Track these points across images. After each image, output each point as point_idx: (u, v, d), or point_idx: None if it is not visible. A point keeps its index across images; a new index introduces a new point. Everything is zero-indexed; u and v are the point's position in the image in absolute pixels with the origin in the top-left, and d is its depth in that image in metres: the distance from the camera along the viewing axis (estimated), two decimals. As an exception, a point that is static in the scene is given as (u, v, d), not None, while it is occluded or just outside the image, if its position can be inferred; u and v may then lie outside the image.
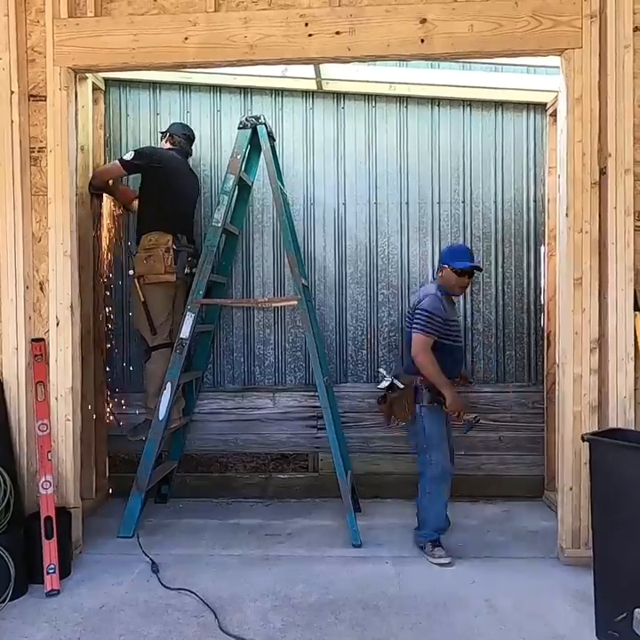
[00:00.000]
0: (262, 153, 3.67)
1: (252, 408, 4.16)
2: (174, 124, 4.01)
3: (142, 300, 3.67)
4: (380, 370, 3.46)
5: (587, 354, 3.00)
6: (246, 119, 3.60)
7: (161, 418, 3.48)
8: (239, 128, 3.60)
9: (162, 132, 3.98)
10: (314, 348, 3.49)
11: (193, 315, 3.49)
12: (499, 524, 3.61)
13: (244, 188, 3.97)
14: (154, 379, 3.69)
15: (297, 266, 3.57)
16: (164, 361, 3.63)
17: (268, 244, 4.19)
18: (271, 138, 3.71)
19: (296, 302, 3.58)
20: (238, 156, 3.58)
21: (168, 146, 3.91)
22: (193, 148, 4.04)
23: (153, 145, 4.04)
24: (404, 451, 4.08)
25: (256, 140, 3.62)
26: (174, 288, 3.77)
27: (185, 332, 3.49)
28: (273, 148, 3.74)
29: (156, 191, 3.73)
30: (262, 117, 3.60)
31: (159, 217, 3.70)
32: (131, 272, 3.87)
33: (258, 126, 3.58)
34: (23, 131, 3.10)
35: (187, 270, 3.71)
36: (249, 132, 3.58)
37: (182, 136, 3.93)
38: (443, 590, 2.80)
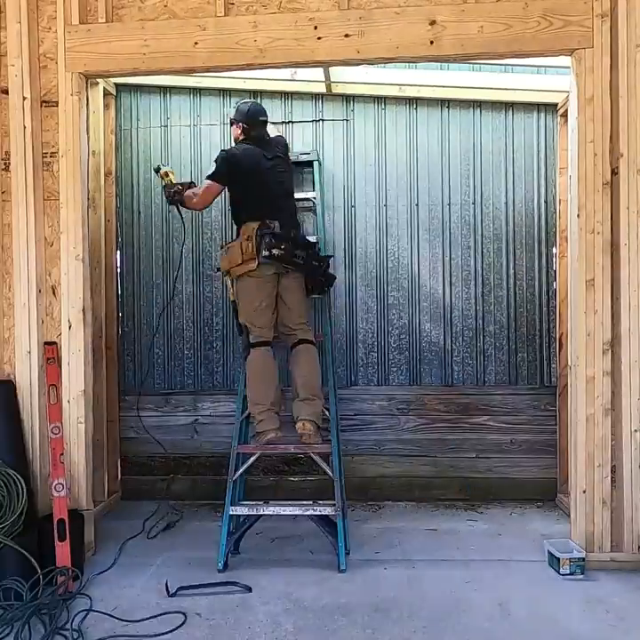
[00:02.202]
0: None
1: (263, 411, 4.15)
2: (239, 106, 3.66)
3: (232, 298, 3.50)
4: None
5: (599, 355, 2.98)
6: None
7: None
8: None
9: (231, 119, 3.69)
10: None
11: None
12: (511, 527, 3.59)
13: None
14: (247, 382, 3.42)
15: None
16: (258, 362, 3.39)
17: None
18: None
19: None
20: None
21: (240, 136, 3.63)
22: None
23: (224, 148, 3.74)
24: (416, 454, 4.07)
25: None
26: (272, 278, 3.43)
27: None
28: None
29: (238, 187, 3.53)
30: None
31: (244, 209, 3.54)
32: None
33: None
34: (35, 136, 3.13)
35: (265, 252, 3.30)
36: None
37: (248, 122, 3.57)
38: (455, 594, 2.78)
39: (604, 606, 2.65)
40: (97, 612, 2.62)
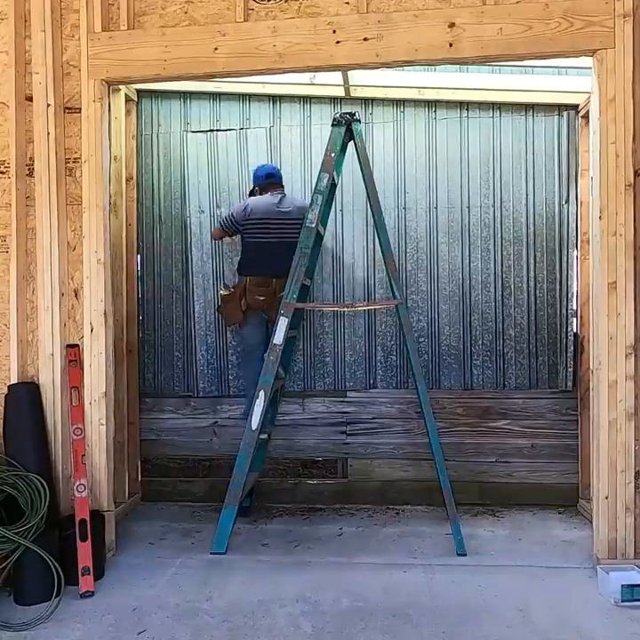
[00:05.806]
0: (357, 151, 3.52)
1: (282, 414, 4.17)
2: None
3: None
4: None
5: (622, 359, 2.94)
6: (340, 115, 3.46)
7: (254, 428, 3.34)
8: (333, 125, 3.46)
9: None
10: (415, 352, 3.49)
11: (286, 319, 3.38)
12: (532, 533, 3.55)
13: (331, 187, 3.72)
14: None
15: (397, 270, 3.54)
16: None
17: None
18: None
19: (397, 304, 3.48)
20: (332, 154, 3.44)
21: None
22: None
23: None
24: (435, 457, 4.05)
25: (347, 138, 3.51)
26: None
27: (278, 337, 3.38)
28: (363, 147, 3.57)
29: None
30: (357, 114, 3.49)
31: None
32: None
33: (353, 123, 3.45)
34: (59, 142, 3.18)
35: None
36: (343, 129, 3.44)
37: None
38: (475, 599, 2.76)
39: (627, 614, 2.61)
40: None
